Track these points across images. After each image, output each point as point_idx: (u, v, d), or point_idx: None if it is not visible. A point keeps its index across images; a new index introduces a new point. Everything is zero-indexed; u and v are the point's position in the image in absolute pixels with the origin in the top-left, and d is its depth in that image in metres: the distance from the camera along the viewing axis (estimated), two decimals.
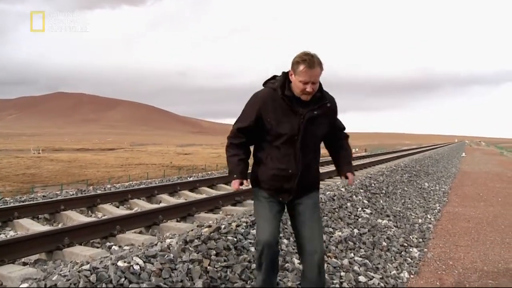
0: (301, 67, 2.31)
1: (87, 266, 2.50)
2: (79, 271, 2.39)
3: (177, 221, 5.45)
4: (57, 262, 3.73)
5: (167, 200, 7.09)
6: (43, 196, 7.39)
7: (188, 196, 7.57)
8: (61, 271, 2.68)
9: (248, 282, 2.90)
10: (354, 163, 14.00)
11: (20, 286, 2.39)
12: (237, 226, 3.60)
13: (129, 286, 2.39)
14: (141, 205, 6.60)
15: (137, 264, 2.60)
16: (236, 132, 2.54)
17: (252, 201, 7.24)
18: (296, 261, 3.39)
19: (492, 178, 14.08)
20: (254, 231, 3.61)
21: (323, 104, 2.46)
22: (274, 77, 2.51)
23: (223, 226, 3.49)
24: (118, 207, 6.57)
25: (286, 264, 3.29)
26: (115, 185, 9.75)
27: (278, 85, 2.42)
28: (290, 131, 2.40)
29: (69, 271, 2.49)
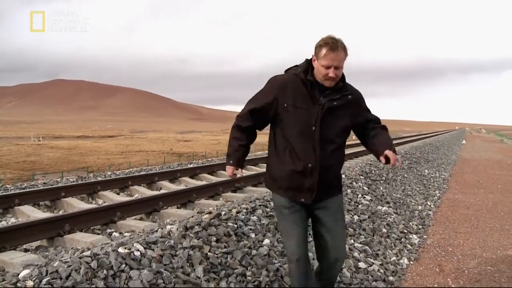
0: (324, 51, 2.19)
1: (88, 253, 2.52)
2: (80, 257, 2.40)
3: (178, 207, 5.47)
4: (58, 249, 3.76)
5: (167, 186, 7.11)
6: (44, 183, 7.40)
7: (189, 182, 7.59)
8: (62, 257, 2.69)
9: (248, 268, 2.92)
10: (354, 149, 13.99)
11: (21, 272, 2.39)
12: (238, 212, 3.61)
13: (130, 272, 2.40)
14: (142, 191, 6.62)
15: (138, 250, 2.60)
16: (248, 114, 2.39)
17: (253, 188, 7.21)
18: None
19: (492, 165, 14.09)
20: (254, 218, 3.62)
21: (344, 95, 2.31)
22: (296, 65, 2.40)
23: (223, 213, 3.50)
24: (118, 194, 6.59)
25: None
26: (115, 172, 9.76)
27: (301, 71, 2.31)
28: (308, 119, 2.26)
29: (70, 257, 2.50)
